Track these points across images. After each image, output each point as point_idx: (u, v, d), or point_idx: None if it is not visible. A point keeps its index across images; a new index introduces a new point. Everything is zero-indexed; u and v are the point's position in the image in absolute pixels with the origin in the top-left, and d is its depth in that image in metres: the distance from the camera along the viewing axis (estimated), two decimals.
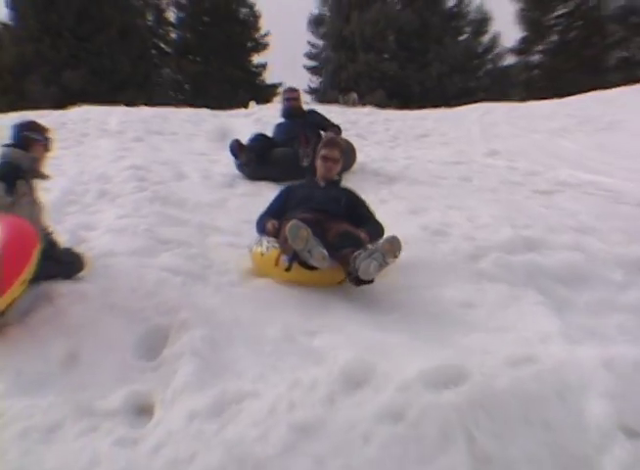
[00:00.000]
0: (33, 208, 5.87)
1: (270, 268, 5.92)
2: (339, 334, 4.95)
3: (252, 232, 7.43)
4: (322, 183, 6.56)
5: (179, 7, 33.76)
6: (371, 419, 3.26)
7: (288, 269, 5.66)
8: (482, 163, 10.68)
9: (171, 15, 34.95)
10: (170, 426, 3.92)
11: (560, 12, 34.72)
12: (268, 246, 5.98)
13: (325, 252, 5.32)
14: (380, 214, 6.80)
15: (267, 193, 8.48)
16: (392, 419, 3.21)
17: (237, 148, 8.88)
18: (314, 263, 5.35)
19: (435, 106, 18.12)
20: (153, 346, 5.04)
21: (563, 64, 32.16)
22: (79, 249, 6.29)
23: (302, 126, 9.63)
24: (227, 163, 10.19)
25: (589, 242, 6.82)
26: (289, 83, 34.20)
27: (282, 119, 10.31)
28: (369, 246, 5.54)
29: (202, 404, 4.00)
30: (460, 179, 9.58)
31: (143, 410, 4.24)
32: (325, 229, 5.66)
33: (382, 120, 14.32)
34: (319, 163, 6.62)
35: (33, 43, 29.17)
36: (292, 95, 10.32)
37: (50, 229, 6.14)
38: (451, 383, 3.27)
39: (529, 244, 6.73)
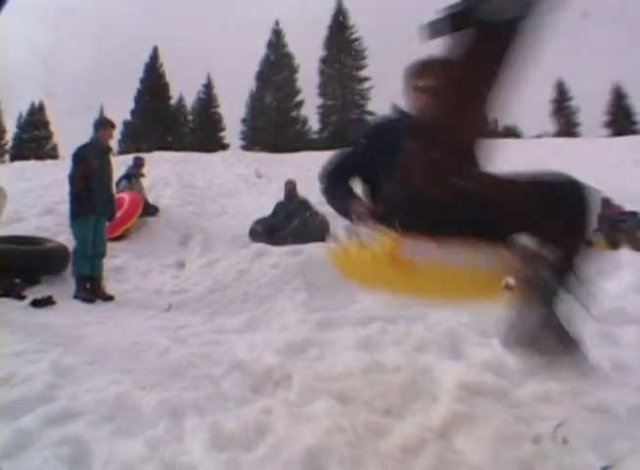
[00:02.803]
0: (140, 189, 5.09)
1: (379, 271, 0.72)
2: None
3: (226, 199, 6.48)
4: None
5: (193, 113, 29.23)
6: (267, 268, 2.87)
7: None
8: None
9: (190, 117, 30.89)
10: (192, 270, 3.43)
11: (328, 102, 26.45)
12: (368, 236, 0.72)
13: None
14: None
15: (235, 182, 7.42)
16: (275, 268, 2.84)
17: (253, 234, 5.20)
18: None
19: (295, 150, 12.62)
20: (184, 240, 4.38)
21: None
22: (157, 204, 5.33)
23: (295, 207, 4.98)
24: (216, 173, 8.77)
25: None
26: (237, 144, 30.37)
27: (282, 199, 5.23)
28: None
29: (203, 262, 3.50)
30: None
31: (181, 264, 3.69)
32: None
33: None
34: (412, 94, 1.04)
35: (140, 130, 25.52)
36: (291, 186, 5.29)
37: (145, 197, 5.13)
38: (297, 254, 2.92)
39: None
